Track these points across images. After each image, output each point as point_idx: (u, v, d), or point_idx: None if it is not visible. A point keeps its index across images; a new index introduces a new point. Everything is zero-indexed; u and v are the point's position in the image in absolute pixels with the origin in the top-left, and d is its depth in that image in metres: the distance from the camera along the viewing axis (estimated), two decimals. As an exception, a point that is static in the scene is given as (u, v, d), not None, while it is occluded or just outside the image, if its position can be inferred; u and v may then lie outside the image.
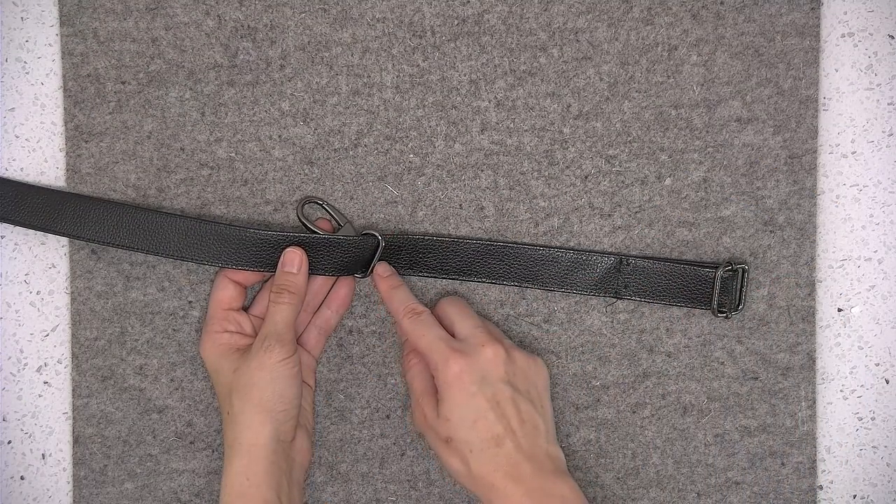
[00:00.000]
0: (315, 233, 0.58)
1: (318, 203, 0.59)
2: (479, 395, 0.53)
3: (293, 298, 0.55)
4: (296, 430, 0.55)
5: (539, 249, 0.59)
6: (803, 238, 0.59)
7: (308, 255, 0.57)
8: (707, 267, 0.59)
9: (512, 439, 0.52)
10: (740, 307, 0.59)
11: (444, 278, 0.59)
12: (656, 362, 0.60)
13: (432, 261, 0.59)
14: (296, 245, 0.57)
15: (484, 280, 0.59)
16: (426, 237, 0.59)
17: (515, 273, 0.59)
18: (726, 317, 0.59)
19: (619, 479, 0.60)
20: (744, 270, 0.59)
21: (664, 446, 0.60)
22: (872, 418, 0.61)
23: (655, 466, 0.60)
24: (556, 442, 0.55)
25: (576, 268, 0.59)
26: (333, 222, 0.59)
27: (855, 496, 0.61)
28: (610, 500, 0.60)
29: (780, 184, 0.59)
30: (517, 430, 0.53)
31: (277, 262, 0.57)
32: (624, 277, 0.59)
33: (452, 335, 0.56)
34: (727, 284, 0.58)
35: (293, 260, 0.56)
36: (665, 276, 0.59)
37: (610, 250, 0.59)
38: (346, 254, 0.57)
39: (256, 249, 0.56)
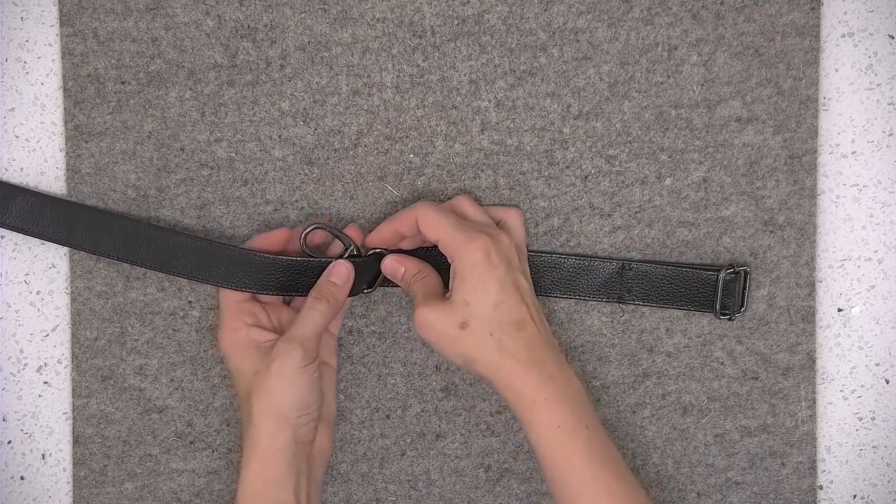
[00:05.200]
0: (322, 259, 0.57)
1: (322, 228, 0.57)
2: (506, 277, 0.53)
3: (329, 308, 0.55)
4: (316, 430, 0.55)
5: (541, 255, 0.59)
6: (803, 238, 0.59)
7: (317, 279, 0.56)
8: (709, 270, 0.59)
9: (533, 325, 0.53)
10: (743, 309, 0.59)
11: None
12: (656, 362, 0.60)
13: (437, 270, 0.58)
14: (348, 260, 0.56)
15: None
16: (430, 250, 0.58)
17: None
18: (729, 319, 0.59)
19: (619, 479, 0.60)
20: (746, 273, 0.58)
21: (664, 446, 0.60)
22: (872, 418, 0.61)
23: (655, 466, 0.60)
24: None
25: (578, 273, 0.59)
26: (342, 245, 0.58)
27: (855, 496, 0.61)
28: (610, 500, 0.60)
29: (780, 184, 0.59)
30: (535, 318, 0.54)
31: (288, 286, 0.56)
32: (627, 282, 0.59)
33: None
34: (729, 287, 0.58)
35: (341, 272, 0.56)
36: (667, 280, 0.59)
37: (610, 250, 0.59)
38: (356, 274, 0.57)
39: (278, 274, 0.56)
